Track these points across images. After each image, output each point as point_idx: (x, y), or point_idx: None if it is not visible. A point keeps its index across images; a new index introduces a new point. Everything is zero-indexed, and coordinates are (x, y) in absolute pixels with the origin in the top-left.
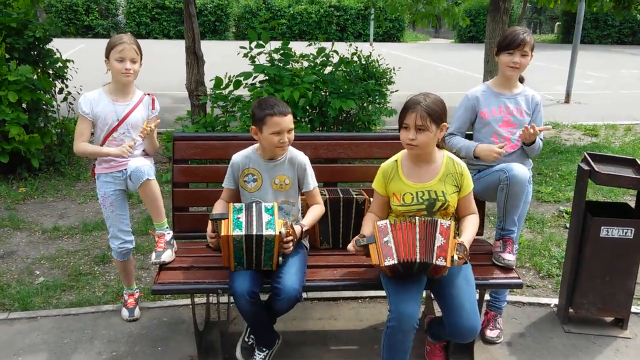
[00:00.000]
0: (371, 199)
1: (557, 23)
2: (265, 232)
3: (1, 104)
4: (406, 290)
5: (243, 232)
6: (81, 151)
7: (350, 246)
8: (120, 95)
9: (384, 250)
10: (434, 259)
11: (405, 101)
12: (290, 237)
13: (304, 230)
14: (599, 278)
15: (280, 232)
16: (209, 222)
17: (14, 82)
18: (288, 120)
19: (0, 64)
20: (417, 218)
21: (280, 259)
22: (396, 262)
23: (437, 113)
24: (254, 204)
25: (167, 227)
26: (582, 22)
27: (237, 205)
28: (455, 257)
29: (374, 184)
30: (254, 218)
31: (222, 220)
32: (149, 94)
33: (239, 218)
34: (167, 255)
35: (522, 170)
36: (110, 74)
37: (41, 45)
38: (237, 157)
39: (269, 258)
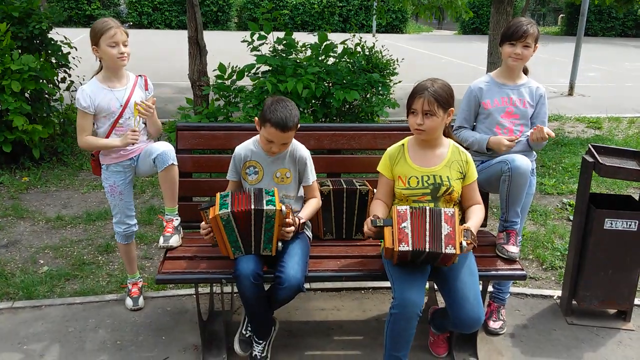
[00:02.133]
0: (374, 190)
1: (561, 15)
2: (265, 207)
3: (4, 94)
4: (410, 277)
5: (229, 210)
6: (87, 145)
7: (365, 227)
8: (115, 81)
9: (400, 235)
10: (443, 248)
11: (412, 87)
12: (291, 220)
13: (300, 222)
14: (602, 270)
15: (281, 210)
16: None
17: (17, 71)
18: (285, 136)
19: (4, 53)
20: (427, 207)
21: (280, 244)
22: (410, 249)
23: (444, 98)
24: (252, 188)
25: (176, 214)
26: (586, 14)
27: (224, 192)
28: (464, 243)
29: (380, 167)
30: (252, 197)
31: (210, 208)
32: (140, 75)
33: (225, 201)
34: (175, 240)
35: (524, 162)
36: (97, 62)
37: (44, 34)
38: (239, 149)
39: (268, 240)
